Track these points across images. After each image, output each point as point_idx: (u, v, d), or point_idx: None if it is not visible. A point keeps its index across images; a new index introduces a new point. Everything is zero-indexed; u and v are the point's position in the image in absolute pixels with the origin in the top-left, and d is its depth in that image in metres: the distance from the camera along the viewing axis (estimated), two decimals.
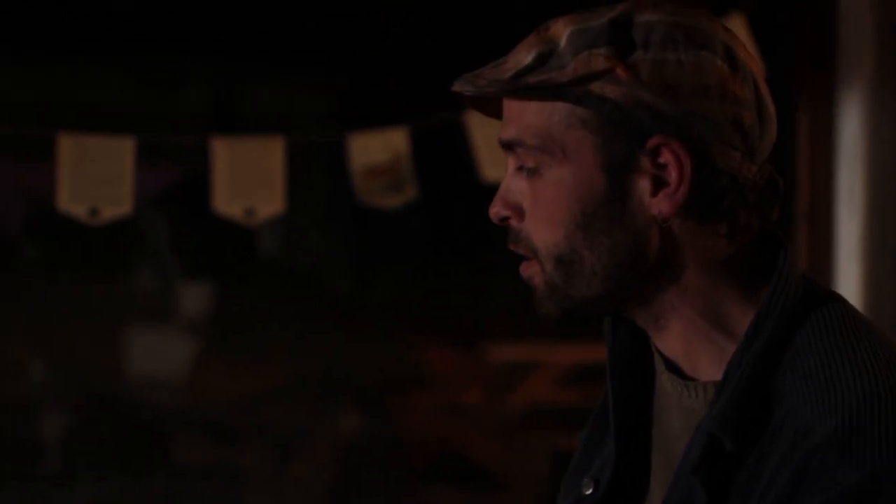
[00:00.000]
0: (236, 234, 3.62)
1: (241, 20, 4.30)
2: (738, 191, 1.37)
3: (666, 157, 1.35)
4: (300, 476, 4.91)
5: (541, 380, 4.85)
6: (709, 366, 1.39)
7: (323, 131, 4.01)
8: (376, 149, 2.97)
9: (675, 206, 1.35)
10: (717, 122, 1.35)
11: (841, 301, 1.40)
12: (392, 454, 4.98)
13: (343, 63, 4.42)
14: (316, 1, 4.33)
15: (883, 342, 1.37)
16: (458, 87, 1.40)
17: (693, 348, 1.39)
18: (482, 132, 3.00)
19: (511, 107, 1.39)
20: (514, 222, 1.40)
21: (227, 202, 2.89)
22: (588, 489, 1.48)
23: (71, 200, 2.88)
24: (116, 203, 2.87)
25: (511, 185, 1.40)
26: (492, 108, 1.44)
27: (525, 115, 1.38)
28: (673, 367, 1.42)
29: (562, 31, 1.38)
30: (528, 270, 1.40)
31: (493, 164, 2.95)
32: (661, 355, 1.42)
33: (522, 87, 1.37)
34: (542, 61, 1.37)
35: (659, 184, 1.36)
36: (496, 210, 1.41)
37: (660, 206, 1.36)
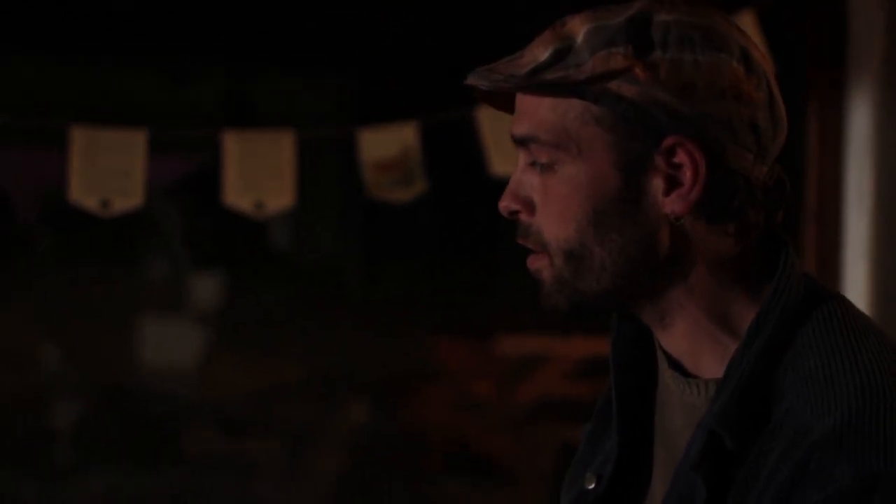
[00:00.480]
0: (247, 227, 3.63)
1: (253, 15, 4.30)
2: (749, 191, 1.38)
3: (681, 157, 1.36)
4: (310, 469, 4.92)
5: (550, 373, 4.86)
6: (712, 363, 1.39)
7: (333, 126, 4.01)
8: (386, 143, 2.98)
9: (689, 206, 1.36)
10: (732, 123, 1.36)
11: (842, 300, 1.41)
12: (402, 447, 4.99)
13: (353, 58, 4.42)
14: None
15: (883, 342, 1.38)
16: (472, 80, 1.40)
17: (697, 346, 1.40)
18: (491, 127, 3.00)
19: (525, 102, 1.40)
20: (524, 216, 1.41)
21: (237, 195, 2.90)
22: (590, 483, 1.49)
23: (83, 192, 2.89)
24: (128, 195, 2.88)
25: (522, 179, 1.41)
26: (503, 103, 1.44)
27: (539, 111, 1.39)
28: (675, 365, 1.43)
29: (578, 28, 1.38)
30: (537, 264, 1.41)
31: (502, 159, 2.96)
32: (665, 352, 1.43)
33: (539, 84, 1.37)
34: (559, 58, 1.37)
35: (672, 183, 1.36)
36: (506, 204, 1.41)
37: (673, 205, 1.36)
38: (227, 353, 5.28)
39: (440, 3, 4.26)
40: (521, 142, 1.40)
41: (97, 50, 4.34)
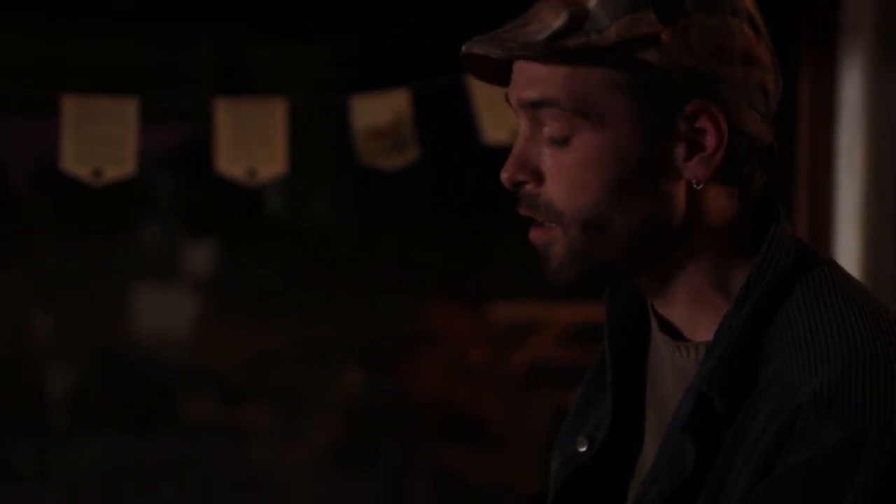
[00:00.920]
0: (240, 195, 3.63)
1: None
2: (757, 154, 1.39)
3: (703, 122, 1.35)
4: (305, 435, 4.93)
5: (543, 339, 4.87)
6: (706, 327, 1.40)
7: (325, 92, 4.01)
8: (378, 110, 2.97)
9: (711, 171, 1.36)
10: (747, 86, 1.36)
11: (832, 265, 1.41)
12: (397, 413, 5.00)
13: (346, 24, 4.41)
14: None
15: (872, 306, 1.38)
16: (481, 49, 1.37)
17: (694, 311, 1.41)
18: (484, 94, 3.00)
19: (534, 69, 1.37)
20: (530, 187, 1.39)
21: (229, 163, 2.90)
22: (582, 447, 1.50)
23: (75, 161, 2.89)
24: (120, 163, 2.88)
25: (527, 148, 1.39)
26: (490, 73, 1.42)
27: (553, 78, 1.36)
28: (666, 328, 1.43)
29: None
30: (545, 237, 1.39)
31: (494, 126, 2.96)
32: (658, 316, 1.44)
33: (561, 51, 1.35)
34: (576, 24, 1.35)
35: (694, 148, 1.36)
36: (510, 174, 1.39)
37: (695, 170, 1.36)
38: (222, 320, 5.28)
39: None
40: (534, 106, 1.37)
41: (88, 17, 4.33)
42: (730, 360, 1.36)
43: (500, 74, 1.42)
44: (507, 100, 1.42)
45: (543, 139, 1.38)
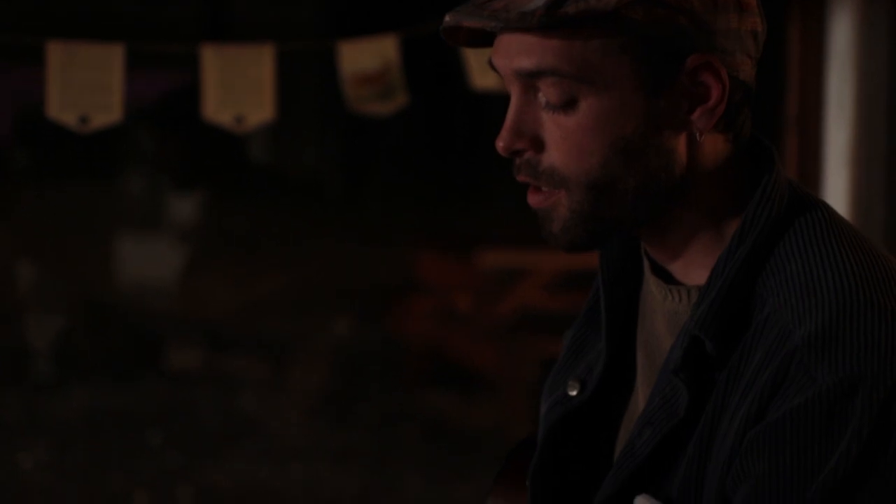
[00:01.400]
0: (227, 142, 3.62)
1: None
2: (748, 99, 1.39)
3: (705, 75, 1.35)
4: (293, 381, 4.94)
5: (530, 286, 4.87)
6: (700, 271, 1.40)
7: (313, 39, 3.99)
8: (367, 56, 2.96)
9: (714, 122, 1.36)
10: (740, 33, 1.36)
11: (825, 207, 1.41)
12: (385, 359, 5.01)
13: None
14: None
15: (865, 248, 1.38)
16: (473, 22, 1.34)
17: (688, 254, 1.41)
18: None
19: (527, 38, 1.35)
20: (530, 154, 1.37)
21: (216, 110, 2.88)
22: (573, 390, 1.50)
23: (61, 108, 2.87)
24: (106, 111, 2.86)
25: (523, 115, 1.37)
26: (462, 37, 1.39)
27: (549, 44, 1.34)
28: (659, 272, 1.43)
29: None
30: (548, 202, 1.38)
31: (483, 73, 2.94)
32: (651, 260, 1.44)
33: (561, 20, 1.33)
34: None
35: (696, 101, 1.36)
36: (507, 143, 1.37)
37: (698, 122, 1.36)
38: (208, 269, 5.28)
39: None
40: (531, 76, 1.35)
41: None
42: (723, 302, 1.36)
43: (476, 40, 1.40)
44: (492, 65, 1.39)
45: (540, 105, 1.37)
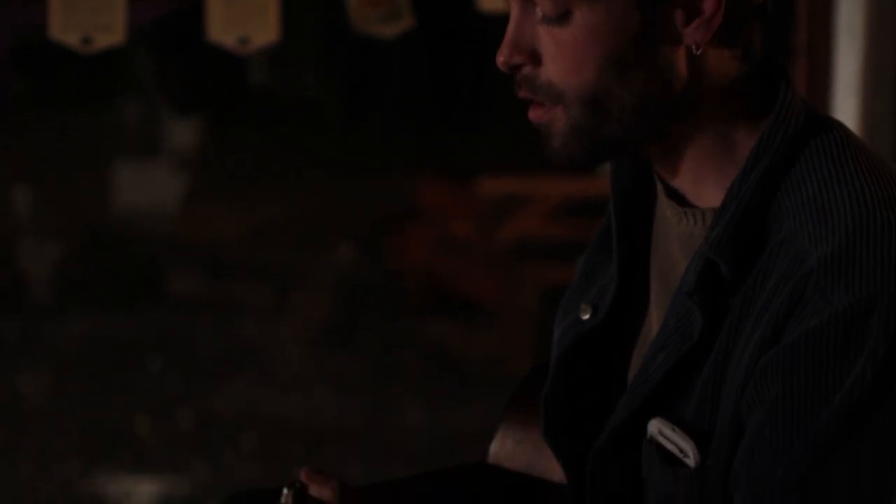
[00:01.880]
0: (229, 66, 3.60)
1: None
2: (754, 12, 1.37)
3: None
4: (294, 309, 4.94)
5: (530, 214, 4.87)
6: (714, 192, 1.39)
7: None
8: None
9: (710, 34, 1.34)
10: None
11: (840, 128, 1.40)
12: (385, 287, 5.01)
13: None
14: None
15: (882, 169, 1.37)
16: None
17: (701, 175, 1.39)
18: None
19: None
20: (528, 69, 1.37)
21: (221, 31, 2.85)
22: (585, 314, 1.49)
23: (63, 29, 2.84)
24: (109, 32, 2.83)
25: (521, 29, 1.37)
26: None
27: None
28: (673, 195, 1.42)
29: None
30: (546, 116, 1.38)
31: None
32: (664, 183, 1.42)
33: None
34: None
35: (692, 13, 1.34)
36: (507, 58, 1.38)
37: (695, 35, 1.34)
38: (209, 196, 5.26)
39: None
40: None
41: None
42: (738, 225, 1.35)
43: None
44: None
45: (537, 19, 1.37)
